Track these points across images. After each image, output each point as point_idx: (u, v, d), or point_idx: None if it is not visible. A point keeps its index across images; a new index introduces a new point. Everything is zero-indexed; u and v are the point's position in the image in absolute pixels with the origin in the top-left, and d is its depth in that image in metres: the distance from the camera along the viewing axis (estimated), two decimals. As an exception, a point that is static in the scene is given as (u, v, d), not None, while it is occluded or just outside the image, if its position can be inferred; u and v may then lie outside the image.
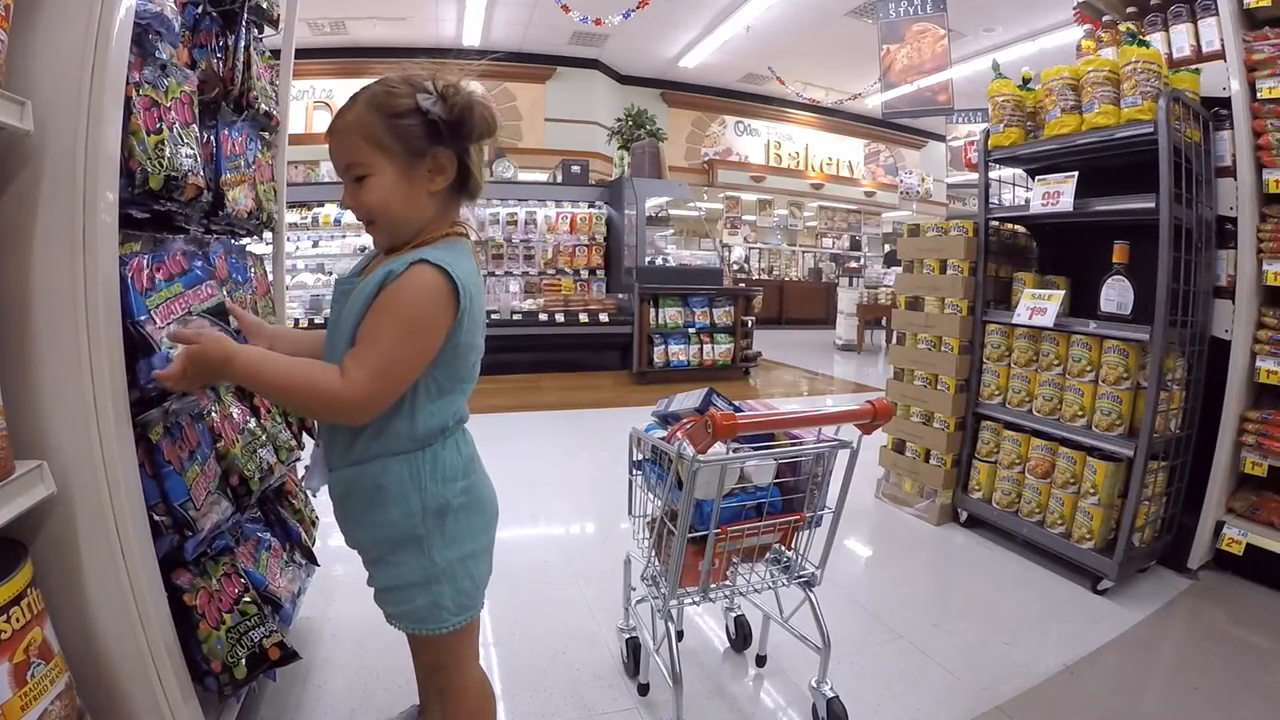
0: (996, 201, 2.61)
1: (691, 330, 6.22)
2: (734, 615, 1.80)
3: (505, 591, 2.05)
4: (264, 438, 1.46)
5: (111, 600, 0.94)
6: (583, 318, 6.33)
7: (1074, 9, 2.92)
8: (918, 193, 10.45)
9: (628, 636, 1.68)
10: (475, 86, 1.00)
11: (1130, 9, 2.57)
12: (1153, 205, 1.99)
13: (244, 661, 1.15)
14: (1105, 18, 2.62)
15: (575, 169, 7.56)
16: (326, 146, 1.01)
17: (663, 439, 1.42)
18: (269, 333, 1.12)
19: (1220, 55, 2.17)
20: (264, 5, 1.58)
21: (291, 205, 6.79)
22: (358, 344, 0.93)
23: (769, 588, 1.51)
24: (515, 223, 7.21)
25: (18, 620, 0.77)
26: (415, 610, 1.03)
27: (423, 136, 0.95)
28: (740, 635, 1.78)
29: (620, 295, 6.73)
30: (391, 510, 0.99)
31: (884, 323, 8.78)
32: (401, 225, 0.99)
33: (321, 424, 1.06)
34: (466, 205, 1.07)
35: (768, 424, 1.30)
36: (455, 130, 0.96)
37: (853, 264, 12.47)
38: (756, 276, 12.44)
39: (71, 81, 0.87)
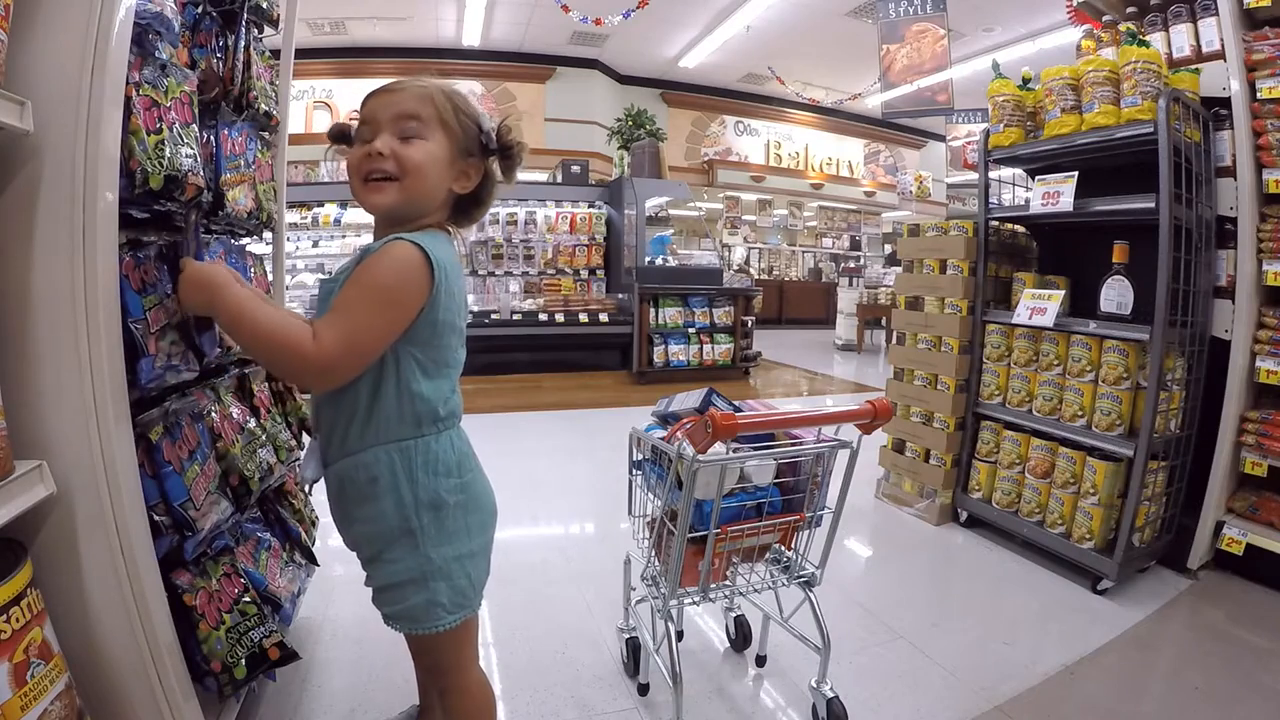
0: (996, 201, 2.61)
1: (691, 330, 6.22)
2: (734, 615, 1.80)
3: (505, 591, 2.05)
4: (264, 438, 1.46)
5: (111, 600, 0.94)
6: (583, 318, 6.34)
7: (1068, 8, 2.92)
8: (912, 193, 10.44)
9: (627, 636, 1.68)
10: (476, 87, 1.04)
11: (1130, 9, 2.58)
12: (1153, 205, 2.00)
13: (244, 661, 1.15)
14: (1105, 17, 2.62)
15: (575, 169, 7.56)
16: (331, 147, 1.06)
17: (663, 439, 1.42)
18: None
19: (1220, 55, 2.17)
20: (264, 5, 1.58)
21: (291, 205, 6.80)
22: (331, 310, 0.94)
23: (769, 588, 1.51)
24: (515, 222, 7.21)
25: (17, 620, 0.77)
26: (411, 609, 1.03)
27: (477, 145, 1.06)
28: (740, 635, 1.78)
29: (620, 295, 6.74)
30: (385, 501, 1.00)
31: (884, 323, 8.78)
32: (416, 196, 1.01)
33: (320, 416, 1.05)
34: (462, 225, 1.13)
35: (768, 424, 1.30)
36: (500, 154, 1.08)
37: (850, 264, 12.46)
38: (756, 276, 12.44)
39: (71, 81, 0.87)
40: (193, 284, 0.97)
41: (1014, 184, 2.69)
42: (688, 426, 1.27)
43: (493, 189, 1.11)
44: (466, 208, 1.10)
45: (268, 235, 1.83)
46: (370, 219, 1.08)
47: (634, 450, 1.59)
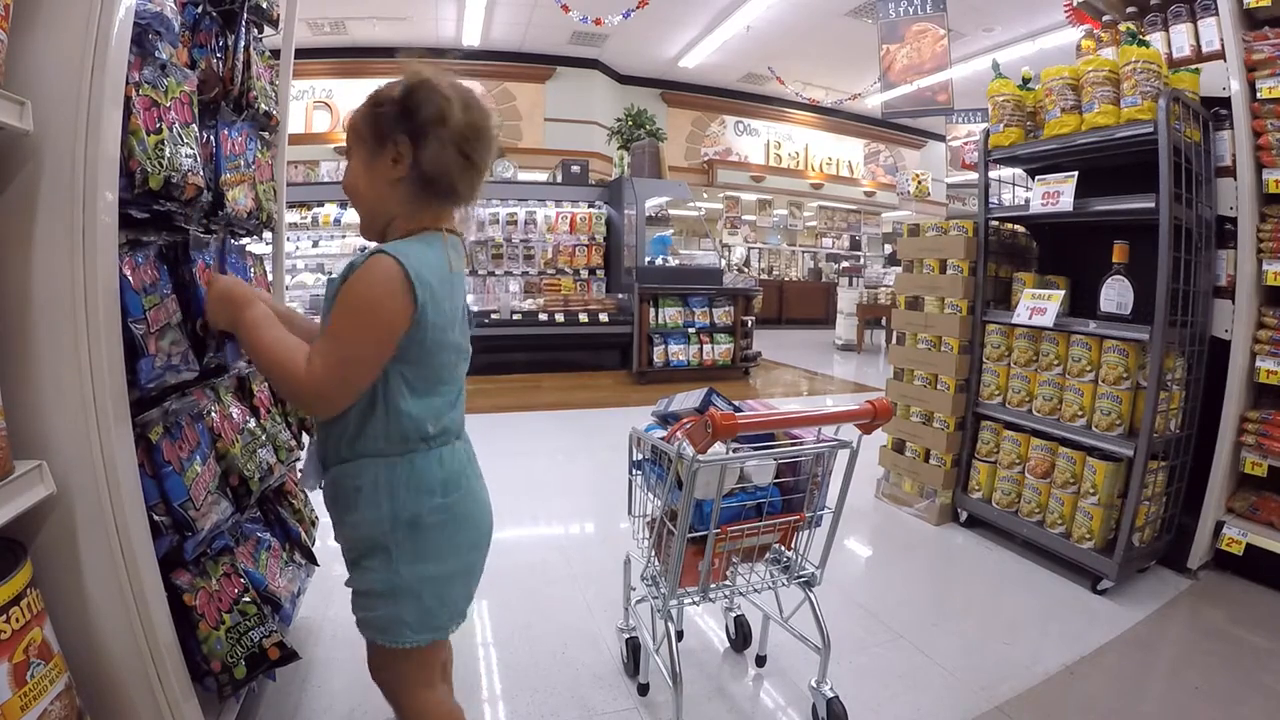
0: (996, 201, 2.61)
1: (691, 330, 6.22)
2: (734, 615, 1.80)
3: (505, 591, 2.05)
4: (264, 438, 1.46)
5: (111, 600, 0.94)
6: (582, 317, 6.33)
7: (1066, 8, 2.92)
8: (910, 192, 10.44)
9: (627, 636, 1.68)
10: (473, 85, 1.02)
11: (1130, 9, 2.57)
12: (1153, 205, 1.99)
13: (243, 661, 1.15)
14: (1105, 17, 2.62)
15: (575, 169, 7.56)
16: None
17: (662, 439, 1.42)
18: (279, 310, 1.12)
19: (1220, 55, 2.17)
20: (264, 5, 1.58)
21: (291, 205, 6.80)
22: (322, 335, 0.95)
23: (769, 588, 1.51)
24: (515, 223, 7.21)
25: (17, 620, 0.77)
26: (376, 619, 1.03)
27: (390, 124, 0.96)
28: (740, 635, 1.78)
29: (620, 295, 6.74)
30: (365, 513, 1.00)
31: (884, 323, 8.77)
32: (367, 211, 1.03)
33: (317, 422, 1.06)
34: (448, 205, 1.02)
35: (767, 424, 1.30)
36: (405, 115, 0.95)
37: (847, 264, 12.42)
38: (756, 276, 12.42)
39: (71, 81, 0.87)
40: (217, 299, 0.99)
41: (1014, 184, 2.69)
42: (688, 426, 1.27)
43: (438, 155, 0.95)
44: (427, 188, 0.98)
45: (267, 235, 1.83)
46: None
47: (634, 450, 1.59)
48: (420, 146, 0.95)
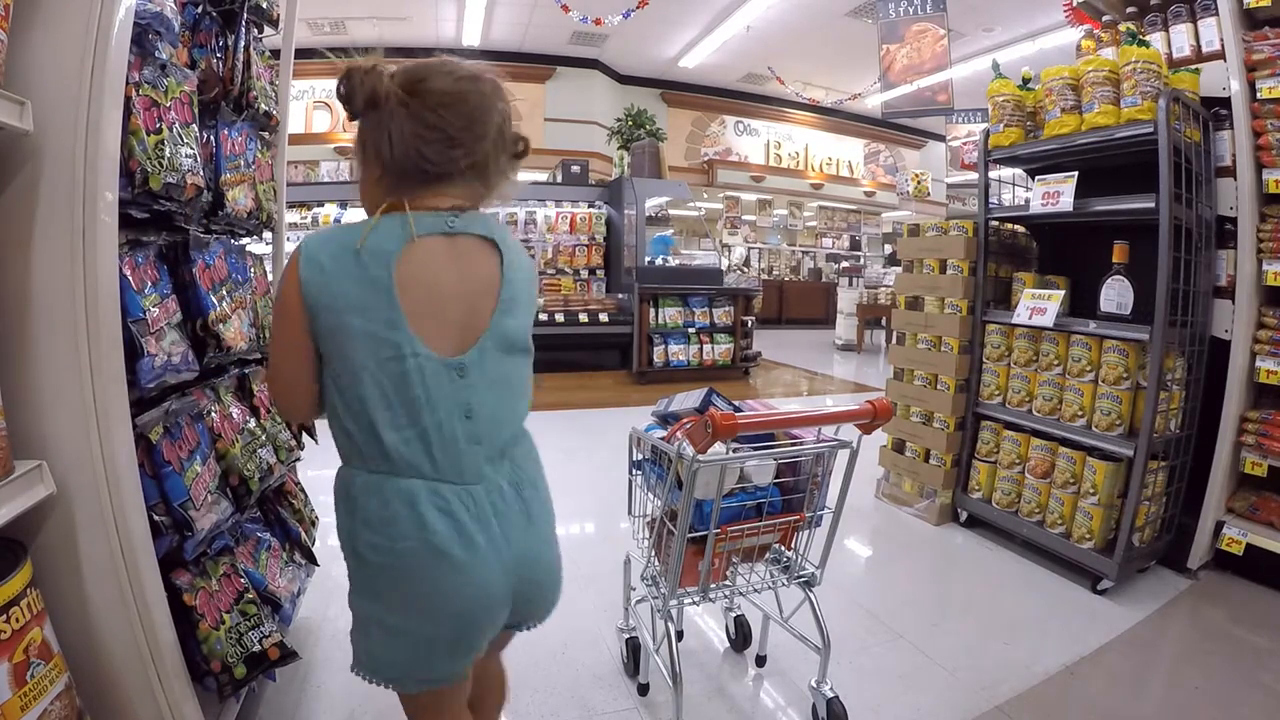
0: (996, 201, 2.61)
1: (691, 330, 6.22)
2: (734, 615, 1.80)
3: (505, 591, 2.04)
4: (263, 438, 1.46)
5: (111, 600, 0.94)
6: (583, 317, 6.33)
7: (1065, 8, 2.92)
8: (910, 192, 10.44)
9: (627, 636, 1.68)
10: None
11: (1130, 9, 2.57)
12: (1152, 205, 2.00)
13: (243, 661, 1.15)
14: (1105, 17, 2.62)
15: (575, 169, 7.57)
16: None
17: (662, 439, 1.42)
18: None
19: (1220, 55, 2.17)
20: (264, 5, 1.58)
21: (291, 205, 6.81)
22: None
23: (769, 588, 1.51)
24: (515, 223, 7.23)
25: (17, 620, 0.77)
26: (350, 630, 0.97)
27: (358, 128, 0.92)
28: (740, 635, 1.78)
29: (620, 295, 6.74)
30: (337, 517, 0.94)
31: (884, 323, 8.77)
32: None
33: None
34: (424, 184, 0.90)
35: (767, 424, 1.30)
36: (349, 109, 0.88)
37: (847, 264, 12.41)
38: (757, 276, 12.42)
39: (71, 81, 0.87)
40: None
41: (1014, 184, 2.69)
42: (688, 426, 1.27)
43: (393, 137, 0.86)
44: (402, 175, 0.88)
45: (268, 235, 1.83)
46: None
47: (634, 450, 1.59)
48: (371, 135, 0.88)
